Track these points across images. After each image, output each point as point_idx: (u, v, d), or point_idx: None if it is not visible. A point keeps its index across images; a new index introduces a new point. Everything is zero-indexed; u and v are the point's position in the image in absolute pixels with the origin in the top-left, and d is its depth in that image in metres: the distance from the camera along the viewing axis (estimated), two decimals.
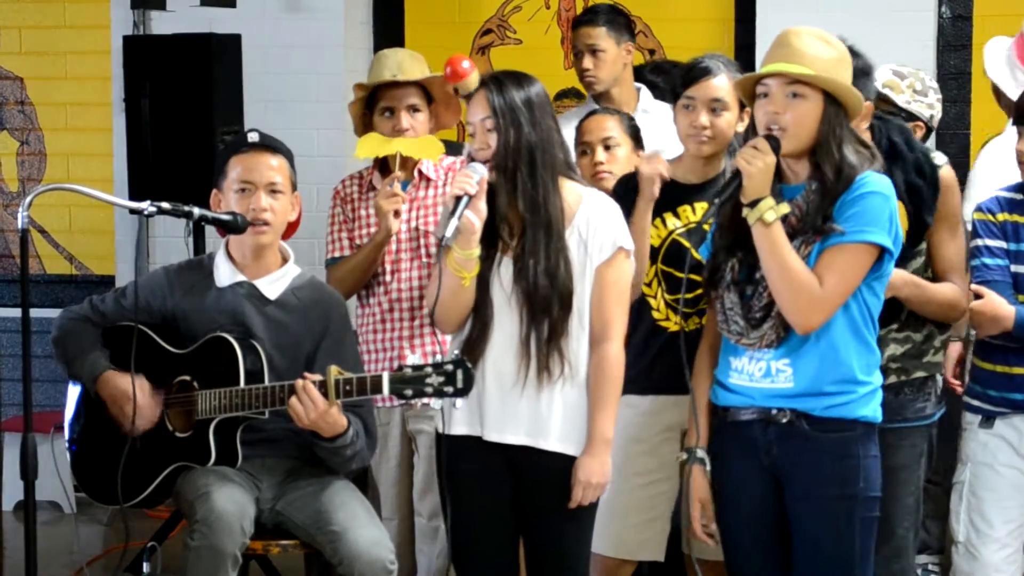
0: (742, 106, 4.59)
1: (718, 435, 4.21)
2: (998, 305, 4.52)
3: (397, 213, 5.03)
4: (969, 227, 4.75)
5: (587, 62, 6.11)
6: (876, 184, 4.01)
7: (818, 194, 4.02)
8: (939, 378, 4.80)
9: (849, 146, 4.04)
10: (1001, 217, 4.63)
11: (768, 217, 3.98)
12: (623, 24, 6.21)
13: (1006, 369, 4.62)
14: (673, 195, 4.63)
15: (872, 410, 4.08)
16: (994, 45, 5.71)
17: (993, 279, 4.57)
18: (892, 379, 4.49)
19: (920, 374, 4.69)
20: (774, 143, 4.03)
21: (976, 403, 4.71)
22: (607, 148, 5.03)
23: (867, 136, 4.45)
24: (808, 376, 4.03)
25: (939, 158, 4.62)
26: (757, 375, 4.08)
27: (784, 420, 4.04)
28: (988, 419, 4.67)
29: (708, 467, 4.21)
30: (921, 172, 4.49)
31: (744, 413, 4.10)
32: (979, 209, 4.71)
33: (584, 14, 6.32)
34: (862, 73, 4.47)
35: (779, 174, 4.08)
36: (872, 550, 4.12)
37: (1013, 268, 4.59)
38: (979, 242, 4.65)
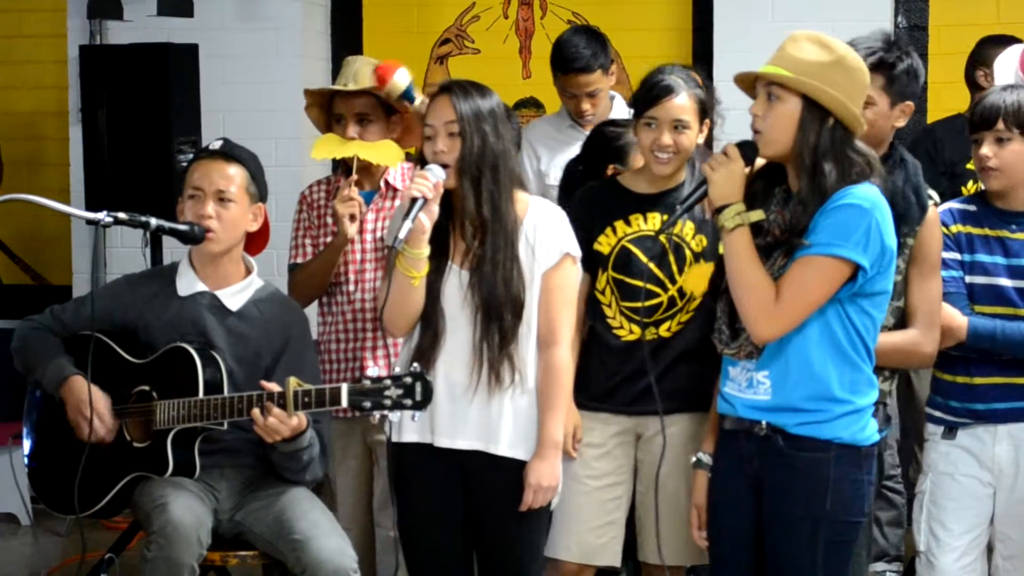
0: (702, 119, 4.61)
1: (717, 444, 4.22)
2: (951, 317, 4.53)
3: (353, 217, 5.00)
4: None
5: (585, 104, 5.94)
6: (857, 196, 3.90)
7: (799, 204, 3.95)
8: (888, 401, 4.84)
9: (830, 155, 3.91)
10: (955, 229, 4.62)
11: (728, 224, 3.94)
12: (606, 53, 6.00)
13: (967, 380, 4.61)
14: (627, 204, 4.64)
15: (852, 433, 3.98)
16: (1006, 57, 5.66)
17: (948, 291, 4.57)
18: None
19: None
20: (747, 149, 4.00)
21: (938, 414, 4.69)
22: None
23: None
24: (784, 390, 3.98)
25: (934, 194, 4.63)
26: (743, 385, 4.05)
27: (761, 433, 4.01)
28: (950, 430, 4.64)
29: (711, 473, 4.22)
30: (917, 194, 4.44)
31: (732, 423, 4.10)
32: None
33: (571, 59, 5.92)
34: (909, 74, 4.44)
35: (784, 180, 4.03)
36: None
37: (968, 279, 4.60)
38: None
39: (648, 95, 4.62)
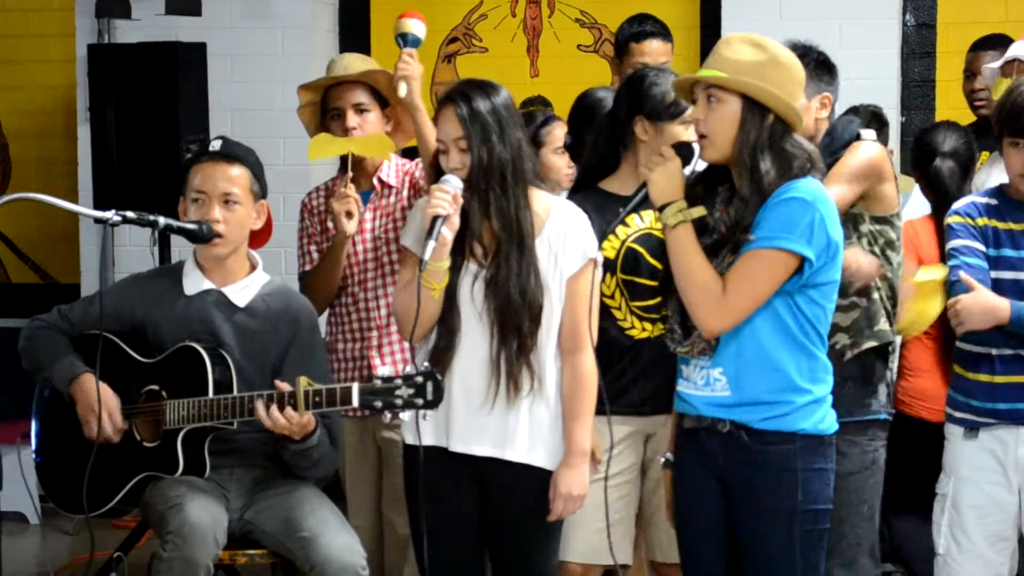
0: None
1: (677, 442, 4.22)
2: (989, 298, 4.43)
3: (350, 214, 4.97)
4: None
5: None
6: (800, 190, 3.93)
7: (742, 202, 3.98)
8: (889, 376, 4.79)
9: (768, 151, 3.95)
10: (981, 222, 4.52)
11: (671, 221, 3.98)
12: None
13: (990, 378, 4.52)
14: (620, 209, 4.64)
15: (814, 423, 4.00)
16: None
17: (976, 279, 4.49)
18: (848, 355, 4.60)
19: (871, 343, 4.68)
20: (683, 149, 4.06)
21: (959, 414, 4.59)
22: None
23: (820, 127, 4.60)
24: (743, 385, 3.99)
25: (867, 133, 4.63)
26: (699, 383, 4.05)
27: (725, 431, 4.02)
28: (972, 429, 4.55)
29: None
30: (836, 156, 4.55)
31: (692, 421, 4.10)
32: (957, 213, 4.60)
33: (642, 28, 5.82)
34: (821, 65, 4.60)
35: (726, 181, 4.04)
36: (820, 563, 4.06)
37: (994, 274, 4.51)
38: (959, 243, 4.54)
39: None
